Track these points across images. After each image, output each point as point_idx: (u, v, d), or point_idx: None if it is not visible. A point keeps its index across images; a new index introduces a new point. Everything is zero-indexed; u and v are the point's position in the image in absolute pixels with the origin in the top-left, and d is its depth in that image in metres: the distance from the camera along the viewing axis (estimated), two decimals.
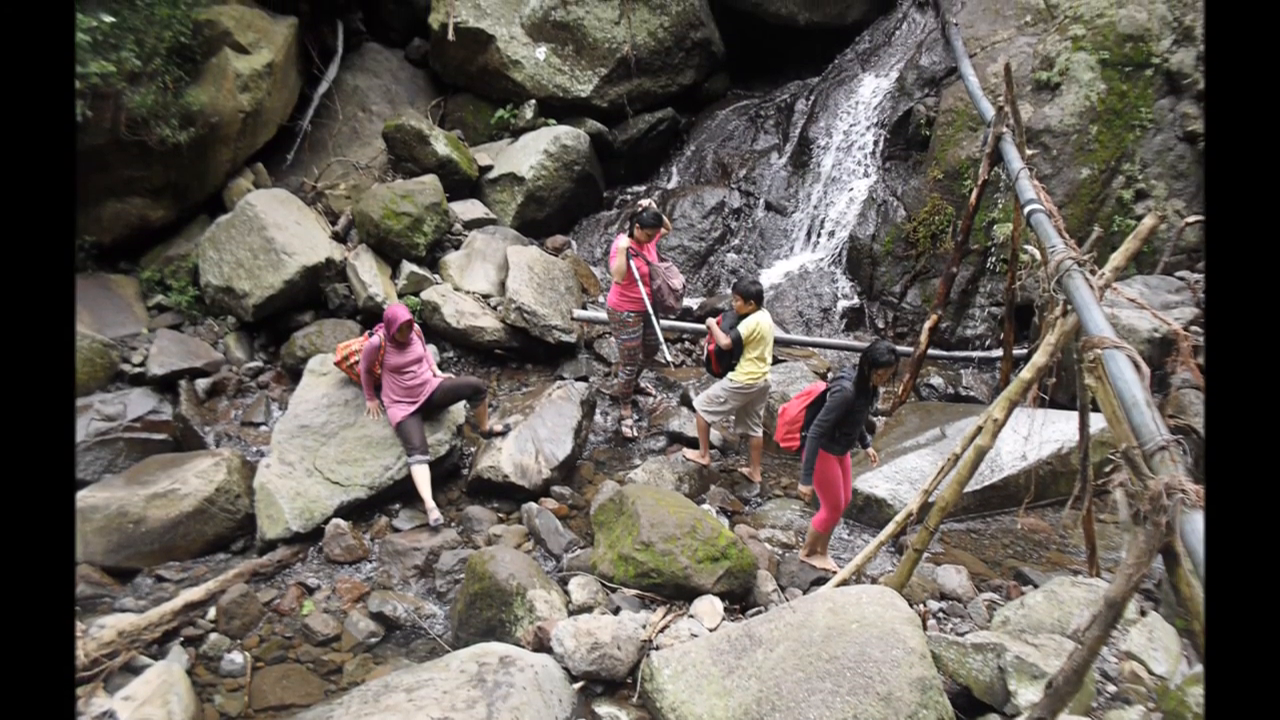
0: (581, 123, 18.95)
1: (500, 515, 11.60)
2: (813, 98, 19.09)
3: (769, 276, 17.19)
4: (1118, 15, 15.43)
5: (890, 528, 8.56)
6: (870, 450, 10.19)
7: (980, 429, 7.69)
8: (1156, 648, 7.58)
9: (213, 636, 9.43)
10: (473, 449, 12.63)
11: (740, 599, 9.31)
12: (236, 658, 9.15)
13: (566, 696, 7.63)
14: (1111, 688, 7.31)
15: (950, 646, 7.49)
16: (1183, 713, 6.81)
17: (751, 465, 12.46)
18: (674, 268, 12.92)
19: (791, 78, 20.50)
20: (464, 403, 12.44)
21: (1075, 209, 14.84)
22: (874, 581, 9.26)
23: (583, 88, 18.92)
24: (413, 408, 11.48)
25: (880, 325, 16.36)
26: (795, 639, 7.09)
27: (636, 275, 12.29)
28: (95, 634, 8.71)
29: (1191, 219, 14.19)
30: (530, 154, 17.90)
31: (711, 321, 11.79)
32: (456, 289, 15.28)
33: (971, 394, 14.50)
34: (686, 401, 13.79)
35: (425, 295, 14.85)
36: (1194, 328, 12.18)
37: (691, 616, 8.72)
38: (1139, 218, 14.46)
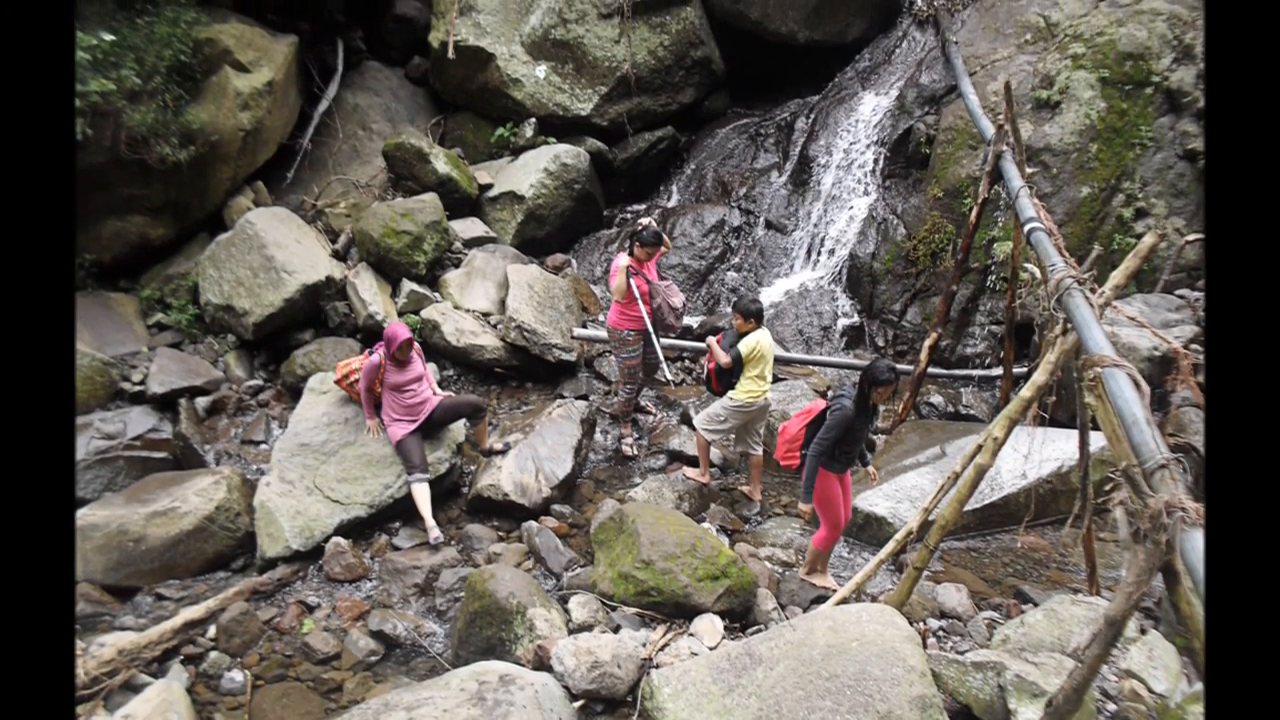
0: (581, 141, 18.98)
1: (500, 534, 11.60)
2: (813, 116, 19.12)
3: (769, 295, 17.21)
4: (1118, 34, 15.47)
5: (890, 546, 8.55)
6: (870, 468, 10.19)
7: (980, 447, 7.70)
8: (1156, 666, 7.58)
9: (213, 655, 9.42)
10: (473, 467, 12.64)
11: (740, 617, 9.30)
12: (236, 676, 9.14)
13: (567, 715, 7.61)
14: (1111, 706, 7.31)
15: (950, 665, 7.49)
16: None
17: (751, 484, 12.45)
18: (674, 286, 12.93)
19: (791, 96, 20.51)
20: (464, 421, 12.45)
21: (1075, 227, 14.86)
22: (874, 600, 9.25)
23: (583, 106, 18.96)
24: (413, 426, 11.48)
25: (880, 343, 16.36)
26: (795, 657, 7.09)
27: (636, 294, 12.31)
28: (95, 652, 8.71)
29: (1191, 237, 14.20)
30: (530, 172, 17.93)
31: (711, 340, 11.79)
32: (456, 307, 15.30)
33: (971, 412, 14.50)
34: (686, 420, 13.79)
35: (425, 313, 14.87)
36: (1194, 346, 12.18)
37: (692, 635, 8.72)
38: (1139, 236, 14.46)
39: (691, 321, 16.17)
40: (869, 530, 11.34)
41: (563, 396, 14.35)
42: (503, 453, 12.26)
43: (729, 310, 15.98)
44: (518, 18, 19.01)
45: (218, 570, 11.04)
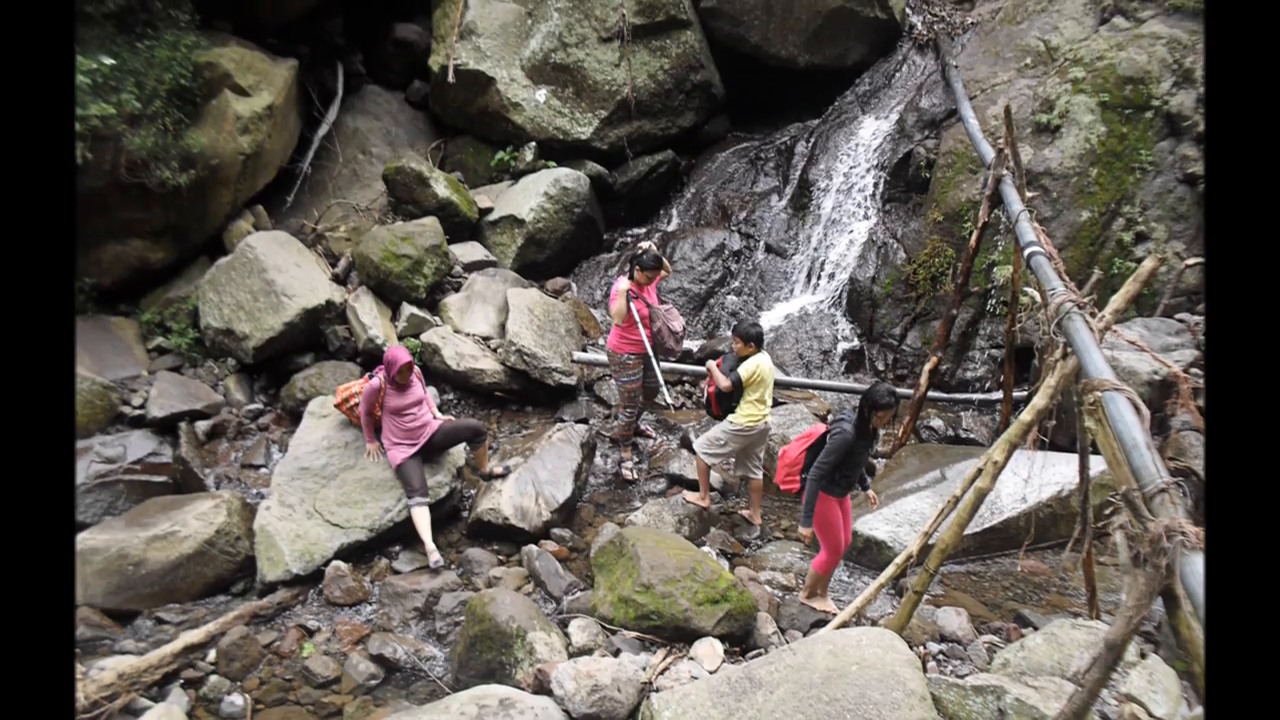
0: (581, 165, 18.98)
1: (500, 557, 11.59)
2: (813, 140, 19.14)
3: (769, 319, 17.20)
4: (1118, 58, 15.49)
5: (890, 570, 8.54)
6: (870, 492, 10.18)
7: (980, 471, 7.69)
8: (1156, 690, 7.56)
9: (213, 679, 9.42)
10: (473, 491, 12.64)
11: (740, 641, 9.29)
12: (236, 700, 9.13)
13: None
14: None
15: (950, 689, 7.47)
16: None
17: (752, 507, 12.44)
18: (674, 310, 12.94)
19: (791, 120, 20.51)
20: (464, 445, 12.45)
21: (1075, 251, 14.86)
22: (874, 624, 9.24)
23: (583, 130, 18.98)
24: (413, 450, 11.48)
25: (880, 367, 16.36)
26: (795, 681, 7.08)
27: (636, 317, 12.31)
28: (95, 676, 8.71)
29: (1191, 261, 14.17)
30: (530, 196, 17.94)
31: (711, 364, 11.80)
32: (456, 331, 15.30)
33: (971, 436, 14.49)
34: (687, 444, 13.76)
35: (425, 337, 14.86)
36: (1194, 370, 12.18)
37: (692, 659, 8.71)
38: (1139, 260, 14.46)
39: (691, 345, 16.16)
40: (869, 554, 11.32)
41: (563, 420, 14.33)
42: (503, 476, 12.26)
43: (729, 334, 15.97)
44: (518, 42, 19.04)
45: (218, 594, 11.05)
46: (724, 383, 11.46)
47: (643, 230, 20.02)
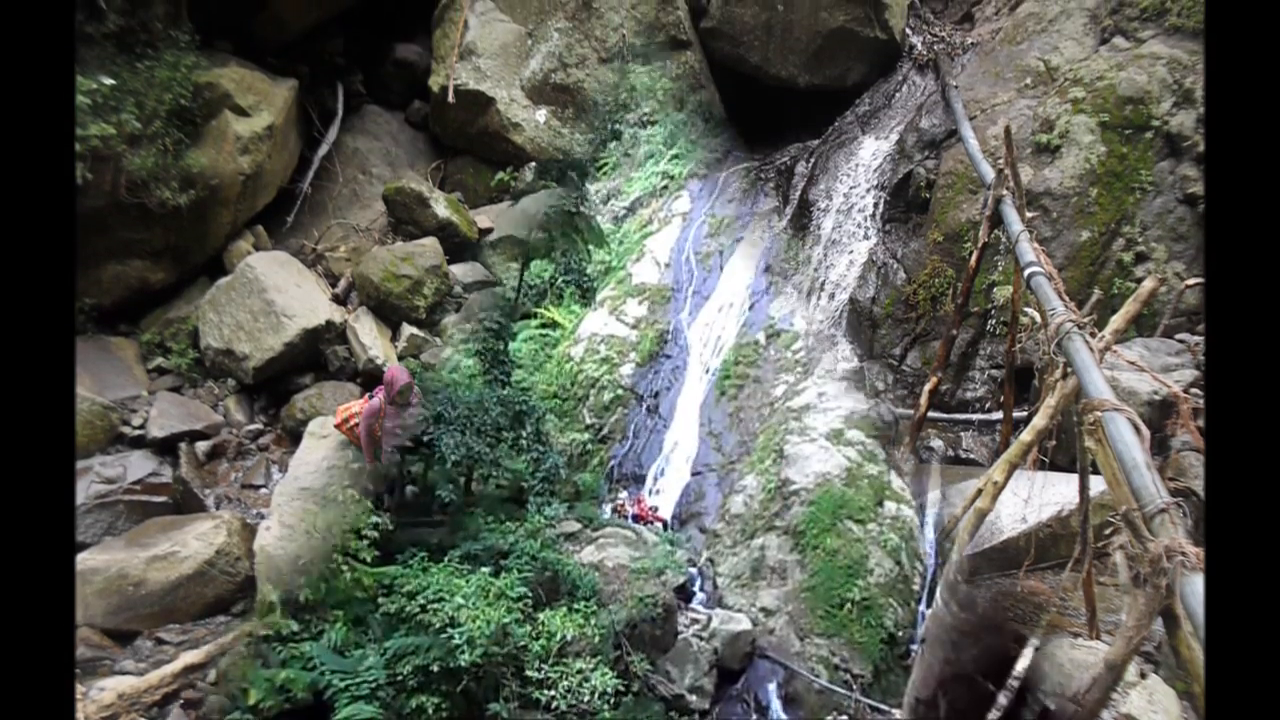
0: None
1: None
2: (813, 160, 19.09)
3: None
4: (1118, 78, 15.47)
5: None
6: None
7: (980, 492, 7.69)
8: (1157, 710, 7.56)
9: (212, 699, 9.39)
10: None
11: None
12: None
13: None
14: None
15: None
16: None
17: None
18: None
19: (791, 140, 20.45)
20: None
21: (1075, 271, 14.82)
22: None
23: (583, 150, 18.92)
24: None
25: (880, 387, 16.32)
26: None
27: None
28: (95, 696, 8.72)
29: (1191, 281, 14.15)
30: (531, 216, 17.86)
31: None
32: (456, 351, 15.28)
33: (971, 456, 14.45)
34: None
35: (425, 357, 14.84)
36: (1194, 390, 12.17)
37: None
38: (1139, 280, 14.42)
39: None
40: None
41: None
42: None
43: None
44: (518, 62, 19.07)
45: (217, 614, 11.03)
46: None
47: None
